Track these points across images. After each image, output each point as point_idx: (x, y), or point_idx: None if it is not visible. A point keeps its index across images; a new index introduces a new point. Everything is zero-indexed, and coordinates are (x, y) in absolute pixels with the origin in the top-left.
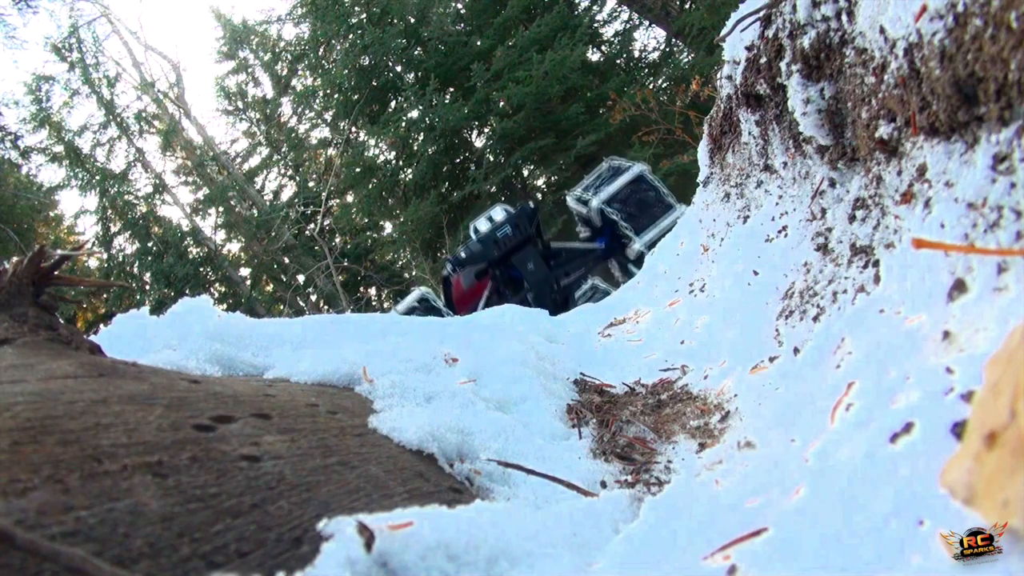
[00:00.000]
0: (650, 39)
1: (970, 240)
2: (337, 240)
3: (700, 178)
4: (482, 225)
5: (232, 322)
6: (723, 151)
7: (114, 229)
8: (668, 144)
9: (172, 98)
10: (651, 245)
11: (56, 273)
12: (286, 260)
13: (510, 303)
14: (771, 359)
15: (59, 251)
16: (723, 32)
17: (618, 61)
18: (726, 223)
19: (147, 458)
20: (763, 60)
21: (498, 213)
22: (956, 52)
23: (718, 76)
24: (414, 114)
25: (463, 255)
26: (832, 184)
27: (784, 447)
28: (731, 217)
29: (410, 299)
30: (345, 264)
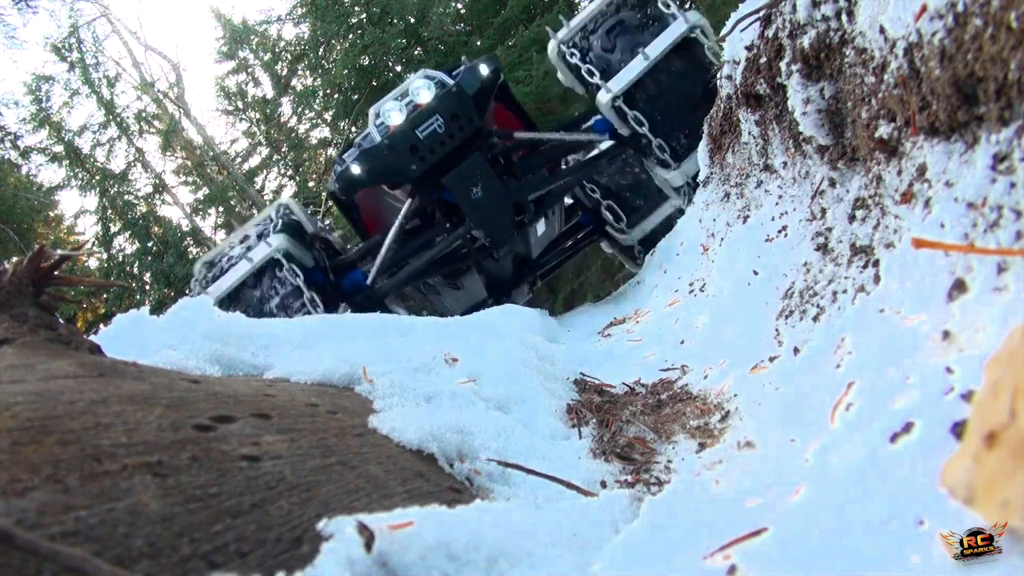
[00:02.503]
0: None
1: (970, 240)
2: None
3: (700, 178)
4: (392, 113)
5: (232, 322)
6: (723, 151)
7: (114, 229)
8: None
9: (172, 98)
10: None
11: (56, 273)
12: None
13: (453, 238)
14: (771, 359)
15: (59, 251)
16: (723, 32)
17: None
18: (726, 223)
19: (147, 458)
20: (763, 60)
21: (421, 88)
22: (956, 52)
23: (718, 76)
24: None
25: (355, 171)
26: (832, 184)
27: (784, 447)
28: (731, 217)
29: (264, 213)
30: None
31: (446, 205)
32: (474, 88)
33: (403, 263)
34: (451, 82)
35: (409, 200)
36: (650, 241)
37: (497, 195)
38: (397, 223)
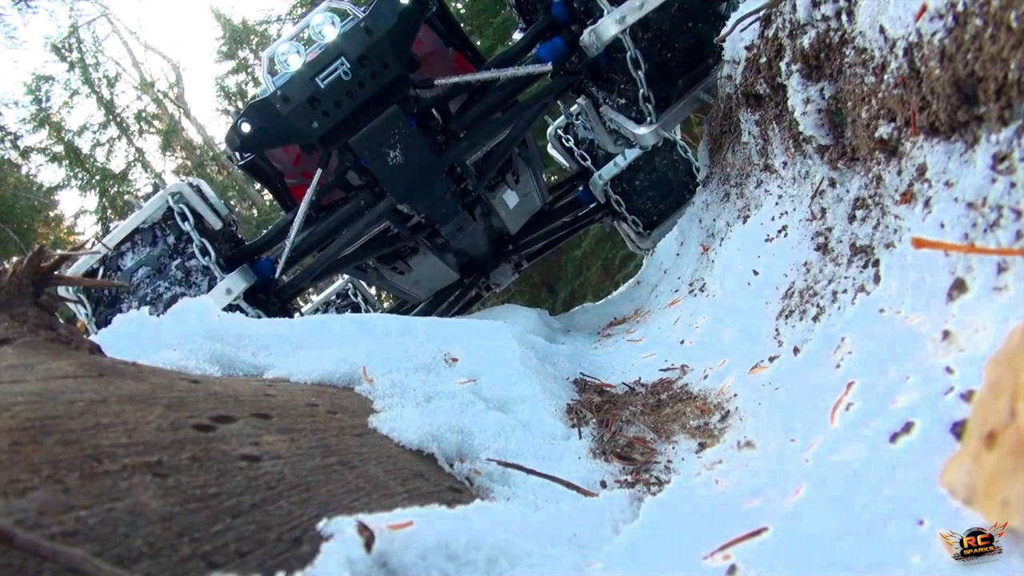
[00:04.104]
0: None
1: (970, 240)
2: None
3: (700, 178)
4: (289, 57)
5: (232, 322)
6: (723, 151)
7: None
8: None
9: (172, 98)
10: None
11: (56, 273)
12: None
13: (372, 216)
14: (771, 359)
15: (59, 251)
16: (723, 32)
17: None
18: (726, 223)
19: (147, 458)
20: (763, 60)
21: (323, 24)
22: (956, 52)
23: (718, 76)
24: None
25: (244, 130)
26: (832, 184)
27: (784, 447)
28: (731, 217)
29: (156, 198)
30: None
31: (368, 174)
32: (389, 22)
33: (329, 246)
34: (360, 15)
35: (320, 169)
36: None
37: (422, 160)
38: (306, 198)
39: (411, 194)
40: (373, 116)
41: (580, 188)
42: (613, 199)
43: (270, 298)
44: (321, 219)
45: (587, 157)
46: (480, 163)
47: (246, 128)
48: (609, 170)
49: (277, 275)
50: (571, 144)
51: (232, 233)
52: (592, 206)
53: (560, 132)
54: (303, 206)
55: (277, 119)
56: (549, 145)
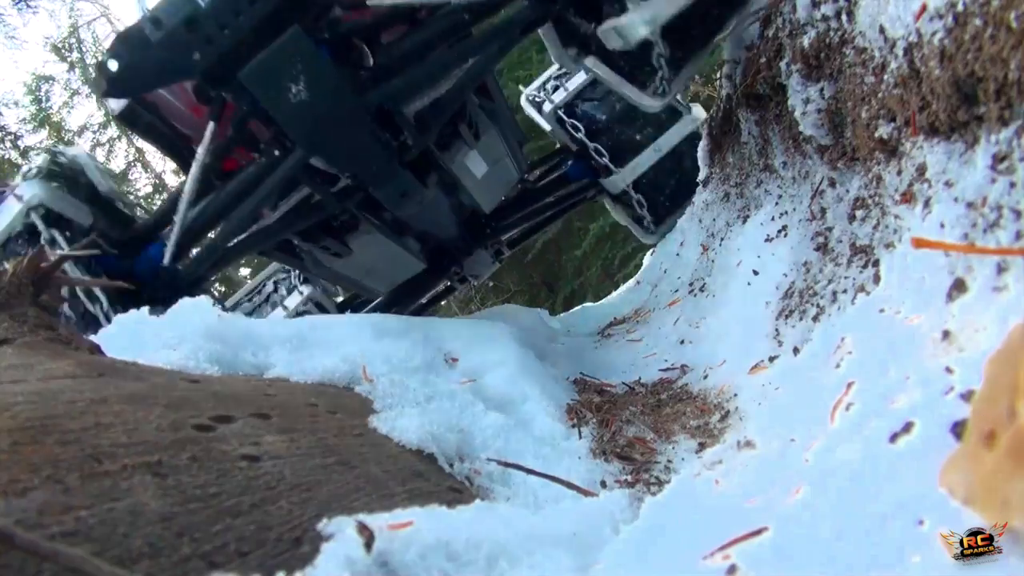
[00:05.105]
0: None
1: (970, 239)
2: None
3: (700, 178)
4: None
5: (232, 322)
6: (723, 151)
7: None
8: None
9: None
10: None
11: (56, 273)
12: None
13: (278, 176)
14: (771, 359)
15: (59, 251)
16: (723, 32)
17: None
18: (726, 223)
19: (147, 458)
20: (763, 60)
21: None
22: (956, 52)
23: (718, 76)
24: None
25: (111, 68)
26: (832, 184)
27: (784, 447)
28: (731, 217)
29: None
30: None
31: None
32: None
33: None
34: None
35: (213, 120)
36: (651, 194)
37: (337, 98)
38: (198, 160)
39: (323, 142)
40: (271, 42)
41: (569, 162)
42: (635, 200)
43: (159, 294)
44: (222, 189)
45: (579, 127)
46: (425, 114)
47: (114, 66)
48: (628, 171)
49: (165, 261)
50: (549, 103)
51: (118, 210)
52: (584, 182)
53: (540, 95)
54: (193, 170)
55: (149, 51)
56: (533, 112)
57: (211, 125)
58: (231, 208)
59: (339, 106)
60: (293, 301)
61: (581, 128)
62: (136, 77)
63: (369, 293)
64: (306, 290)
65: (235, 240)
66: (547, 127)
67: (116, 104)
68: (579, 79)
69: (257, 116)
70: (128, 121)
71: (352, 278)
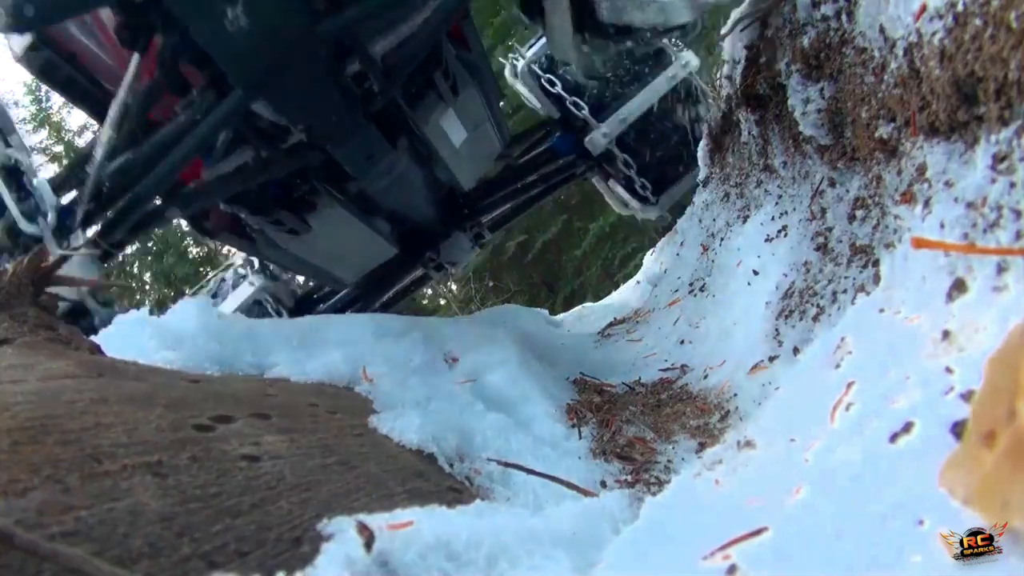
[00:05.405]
0: None
1: (970, 239)
2: None
3: (700, 178)
4: None
5: (232, 322)
6: (723, 151)
7: None
8: None
9: None
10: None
11: (56, 273)
12: None
13: (210, 124)
14: (771, 359)
15: (59, 251)
16: (723, 32)
17: None
18: (726, 223)
19: (147, 458)
20: (763, 60)
21: None
22: (956, 52)
23: (718, 76)
24: None
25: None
26: (832, 184)
27: (784, 447)
28: (731, 217)
29: None
30: None
31: (211, 62)
32: None
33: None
34: None
35: (136, 56)
36: (640, 152)
37: (284, 26)
38: (118, 99)
39: (267, 82)
40: None
41: (556, 135)
42: (621, 159)
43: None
44: (145, 141)
45: (555, 82)
46: (392, 56)
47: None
48: (614, 124)
49: (77, 223)
50: (547, 77)
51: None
52: (572, 157)
53: (532, 67)
54: (112, 112)
55: None
56: (518, 82)
57: (135, 57)
58: (155, 163)
59: (287, 36)
60: (243, 293)
61: (557, 83)
62: (42, 5)
63: (334, 283)
64: (258, 281)
65: (158, 202)
66: (522, 89)
67: (18, 44)
68: None
69: (186, 51)
70: (45, 74)
71: (313, 263)
